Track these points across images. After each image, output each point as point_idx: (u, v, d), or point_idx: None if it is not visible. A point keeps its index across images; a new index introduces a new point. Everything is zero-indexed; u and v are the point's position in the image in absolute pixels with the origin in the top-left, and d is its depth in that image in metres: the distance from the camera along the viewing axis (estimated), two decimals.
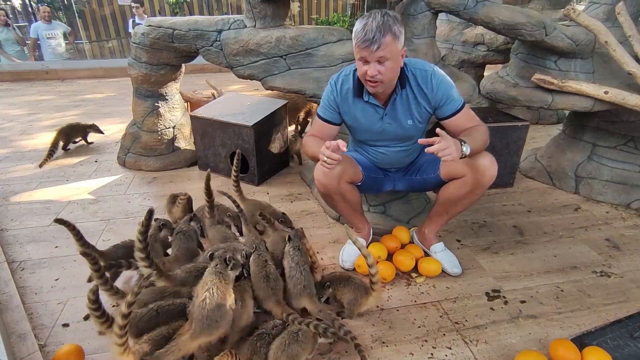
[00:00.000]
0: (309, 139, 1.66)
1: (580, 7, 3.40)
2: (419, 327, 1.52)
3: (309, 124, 3.42)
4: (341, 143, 1.37)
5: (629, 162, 2.41)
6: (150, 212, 1.41)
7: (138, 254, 1.37)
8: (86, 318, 1.53)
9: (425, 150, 1.38)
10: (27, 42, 6.49)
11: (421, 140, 1.40)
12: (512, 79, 2.45)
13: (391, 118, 1.60)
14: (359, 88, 1.56)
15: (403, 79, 1.52)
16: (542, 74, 2.22)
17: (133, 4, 6.22)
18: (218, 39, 2.31)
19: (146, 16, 6.29)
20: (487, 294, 1.69)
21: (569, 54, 2.20)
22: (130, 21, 6.48)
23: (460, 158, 1.39)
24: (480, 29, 3.49)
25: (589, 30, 2.13)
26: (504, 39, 3.33)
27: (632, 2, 2.28)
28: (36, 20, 6.45)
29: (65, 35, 6.20)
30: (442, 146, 1.33)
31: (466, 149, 1.41)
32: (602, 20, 2.27)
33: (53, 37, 5.97)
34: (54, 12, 9.26)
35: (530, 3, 3.47)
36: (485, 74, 3.81)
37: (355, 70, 1.56)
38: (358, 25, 1.39)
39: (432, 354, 1.40)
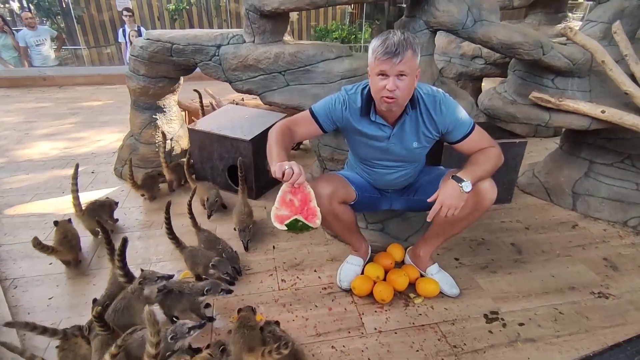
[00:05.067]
0: (281, 129, 1.51)
1: (576, 23, 3.43)
2: (417, 350, 1.51)
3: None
4: (300, 179, 1.33)
5: (625, 179, 2.41)
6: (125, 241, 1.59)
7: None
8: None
9: (427, 219, 1.48)
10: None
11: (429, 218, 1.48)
12: (509, 95, 2.46)
13: (398, 139, 1.58)
14: (367, 107, 1.53)
15: (414, 100, 1.50)
16: (540, 92, 2.22)
17: (125, 13, 6.21)
18: (217, 54, 2.31)
19: (136, 25, 6.29)
20: (485, 315, 1.68)
21: (566, 73, 2.21)
22: (120, 30, 6.44)
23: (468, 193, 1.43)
24: None
25: (585, 50, 2.15)
26: None
27: (629, 20, 2.30)
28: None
29: (53, 40, 6.10)
30: (443, 210, 1.42)
31: (466, 186, 1.42)
32: (599, 39, 2.29)
33: (42, 43, 5.85)
34: (42, 17, 9.25)
35: (526, 18, 3.50)
36: (482, 86, 3.84)
37: (364, 89, 1.54)
38: (377, 41, 1.37)
39: None
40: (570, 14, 3.37)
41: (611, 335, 1.59)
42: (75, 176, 2.08)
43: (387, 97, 1.41)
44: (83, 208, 2.15)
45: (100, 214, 2.19)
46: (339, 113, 1.56)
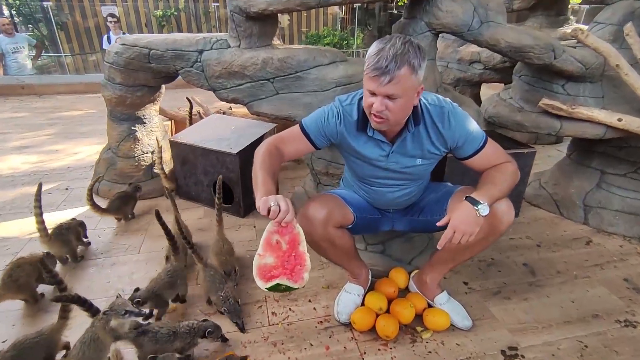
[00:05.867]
0: (267, 150, 1.32)
1: (577, 26, 3.31)
2: None
3: None
4: (288, 217, 1.13)
5: None
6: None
7: None
8: None
9: (437, 246, 1.29)
10: None
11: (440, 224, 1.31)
12: (516, 102, 2.30)
13: (398, 156, 1.39)
14: (363, 121, 1.34)
15: (417, 115, 1.31)
16: (550, 99, 2.06)
17: (110, 19, 5.95)
18: (199, 60, 2.11)
19: (121, 32, 6.01)
20: (503, 352, 1.49)
21: (577, 78, 2.05)
22: (105, 37, 6.15)
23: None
24: (475, 47, 3.37)
25: (598, 53, 2.00)
26: (500, 57, 3.20)
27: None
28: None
29: (30, 48, 5.81)
30: (456, 237, 1.23)
31: (483, 210, 1.23)
32: (609, 42, 2.14)
33: (18, 50, 5.57)
34: (27, 24, 8.95)
35: (527, 21, 3.37)
36: (481, 92, 3.69)
37: (360, 99, 1.35)
38: (373, 49, 1.17)
39: None
40: (572, 17, 3.24)
41: None
42: (38, 197, 1.84)
43: (375, 116, 1.23)
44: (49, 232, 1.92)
45: (69, 239, 1.96)
46: (332, 127, 1.37)
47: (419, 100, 1.31)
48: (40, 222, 1.85)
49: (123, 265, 1.98)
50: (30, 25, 9.06)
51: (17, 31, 6.66)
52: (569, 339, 1.55)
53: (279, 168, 1.35)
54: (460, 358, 1.46)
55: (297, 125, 1.41)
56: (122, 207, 2.31)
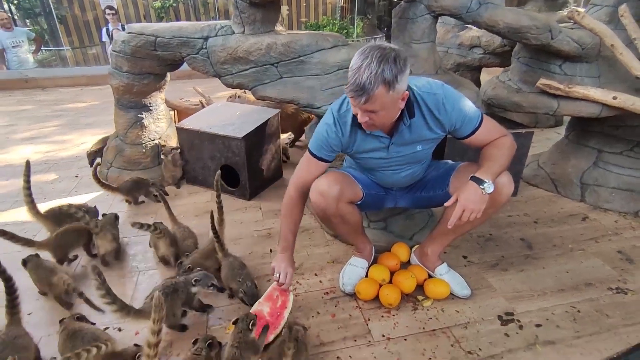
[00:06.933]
0: (290, 202, 1.55)
1: (573, 8, 3.33)
2: (430, 358, 1.40)
3: (304, 133, 3.28)
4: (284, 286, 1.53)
5: (635, 168, 2.32)
6: None
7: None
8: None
9: (448, 225, 1.39)
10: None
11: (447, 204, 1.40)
12: (514, 84, 2.35)
13: (398, 146, 1.46)
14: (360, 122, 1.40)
15: (411, 107, 1.36)
16: (547, 79, 2.12)
17: (108, 11, 5.96)
18: (204, 47, 2.17)
19: (120, 24, 6.03)
20: (499, 317, 1.57)
21: (574, 58, 2.10)
22: (104, 29, 6.17)
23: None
24: (475, 32, 3.41)
25: (594, 34, 2.05)
26: (500, 41, 3.24)
27: (634, 3, 2.20)
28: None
29: (30, 42, 5.82)
30: (465, 215, 1.33)
31: (489, 187, 1.32)
32: (604, 23, 2.18)
33: (18, 44, 5.59)
34: (25, 19, 8.96)
35: (526, 5, 3.40)
36: (481, 77, 3.73)
37: None
38: (353, 63, 1.21)
39: None
40: (571, 1, 3.27)
41: (634, 334, 1.49)
42: (27, 177, 1.90)
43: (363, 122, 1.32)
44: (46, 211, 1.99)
45: (63, 220, 1.99)
46: (335, 140, 1.45)
47: (412, 90, 1.35)
48: (28, 195, 1.92)
49: (136, 245, 2.07)
50: (29, 20, 9.08)
51: (16, 25, 6.70)
52: (563, 305, 1.63)
53: (301, 212, 1.59)
54: (459, 323, 1.54)
55: (306, 154, 1.53)
56: (133, 190, 2.39)
